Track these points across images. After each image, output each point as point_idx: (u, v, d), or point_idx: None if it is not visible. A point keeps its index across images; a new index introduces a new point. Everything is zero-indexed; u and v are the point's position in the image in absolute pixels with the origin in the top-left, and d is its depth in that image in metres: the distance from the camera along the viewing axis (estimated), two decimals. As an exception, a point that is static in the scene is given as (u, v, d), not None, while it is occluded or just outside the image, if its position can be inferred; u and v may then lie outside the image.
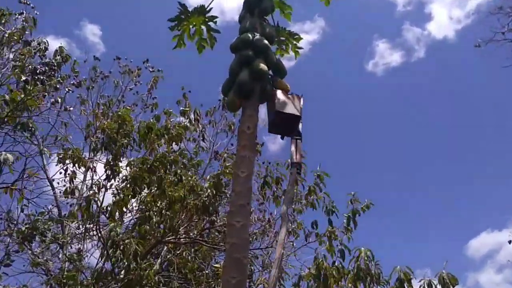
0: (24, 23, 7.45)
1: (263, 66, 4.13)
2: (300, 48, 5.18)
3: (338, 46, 25.99)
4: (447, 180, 25.54)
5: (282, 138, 4.38)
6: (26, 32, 7.33)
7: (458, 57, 24.67)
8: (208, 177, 8.77)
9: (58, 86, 7.07)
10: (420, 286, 5.55)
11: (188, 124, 9.56)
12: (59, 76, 7.43)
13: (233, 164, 4.33)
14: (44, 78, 6.66)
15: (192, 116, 10.03)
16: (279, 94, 4.25)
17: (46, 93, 6.90)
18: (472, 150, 25.29)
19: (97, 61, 10.57)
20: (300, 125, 4.25)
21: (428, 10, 27.16)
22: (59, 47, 7.50)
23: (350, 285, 6.25)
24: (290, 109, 4.18)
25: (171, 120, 9.00)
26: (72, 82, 8.21)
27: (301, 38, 5.09)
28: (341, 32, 25.94)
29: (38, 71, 6.53)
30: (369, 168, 25.42)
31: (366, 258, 5.99)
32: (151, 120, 8.59)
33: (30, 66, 6.57)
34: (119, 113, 8.05)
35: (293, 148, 4.13)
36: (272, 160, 9.34)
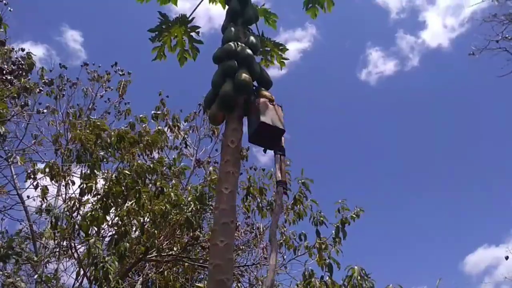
0: None
1: (247, 77, 3.96)
2: (286, 59, 5.03)
3: (330, 55, 25.93)
4: (442, 195, 25.52)
5: (264, 151, 4.10)
6: (1, 30, 6.84)
7: (452, 66, 24.75)
8: (189, 187, 8.56)
9: (28, 86, 6.62)
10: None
11: (164, 130, 9.24)
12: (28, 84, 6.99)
13: (217, 179, 4.12)
14: (12, 78, 6.25)
15: (170, 122, 9.80)
16: (264, 103, 3.98)
17: (16, 95, 6.43)
18: (466, 162, 25.34)
19: (63, 69, 9.95)
20: (283, 139, 4.00)
21: (422, 18, 27.22)
22: (27, 53, 7.00)
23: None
24: (276, 121, 3.92)
25: (144, 126, 8.66)
26: (43, 81, 7.73)
27: (287, 49, 4.95)
28: (333, 40, 25.94)
29: (5, 71, 6.13)
30: (363, 179, 25.32)
31: (359, 277, 5.81)
32: (123, 127, 8.22)
33: None
34: (97, 123, 7.72)
35: (277, 165, 3.85)
36: (259, 170, 9.21)
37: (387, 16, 25.78)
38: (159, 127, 8.95)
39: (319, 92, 24.86)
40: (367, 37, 26.05)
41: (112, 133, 7.91)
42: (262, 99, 4.02)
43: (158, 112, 9.69)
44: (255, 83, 4.22)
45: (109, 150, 7.74)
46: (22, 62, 6.41)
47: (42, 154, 8.30)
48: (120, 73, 10.57)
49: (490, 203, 24.52)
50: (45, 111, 8.11)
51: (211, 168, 9.01)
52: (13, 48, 6.70)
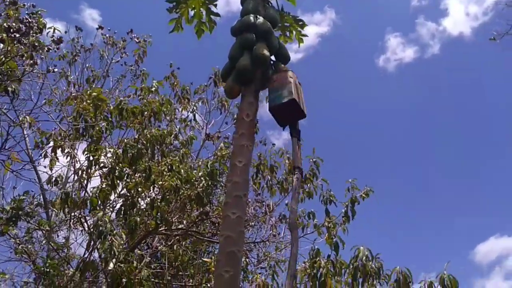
0: None
1: (265, 51, 3.91)
2: (305, 35, 4.96)
3: (348, 39, 25.47)
4: (456, 182, 25.36)
5: (283, 128, 4.04)
6: None
7: (474, 55, 24.23)
8: (200, 162, 8.57)
9: (36, 44, 6.42)
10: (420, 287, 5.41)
11: (171, 101, 9.10)
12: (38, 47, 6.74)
13: (231, 152, 4.10)
14: (20, 36, 6.06)
15: (180, 93, 9.73)
16: (296, 79, 3.94)
17: (25, 53, 6.24)
18: (483, 150, 25.08)
19: (79, 31, 9.83)
20: (298, 122, 3.97)
21: (444, 6, 26.64)
22: (37, 11, 6.49)
23: (348, 279, 6.12)
24: (302, 103, 3.88)
25: (149, 96, 8.46)
26: (52, 39, 7.46)
27: (306, 25, 4.88)
28: (352, 24, 25.47)
29: (12, 30, 5.95)
30: (377, 163, 25.14)
31: (365, 258, 5.80)
32: (122, 98, 8.01)
33: (4, 24, 5.93)
34: (94, 93, 7.45)
35: (295, 150, 3.81)
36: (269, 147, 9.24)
37: (408, 3, 25.26)
38: (163, 96, 8.72)
39: (336, 76, 24.64)
40: (386, 23, 25.65)
41: (111, 104, 7.75)
42: (293, 74, 3.96)
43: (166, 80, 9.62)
44: (272, 57, 4.19)
45: (110, 120, 7.59)
46: (30, 20, 6.19)
47: (52, 123, 8.18)
48: (136, 40, 10.38)
49: (504, 192, 24.37)
50: (55, 70, 7.85)
51: (222, 144, 9.01)
52: (24, 5, 6.45)
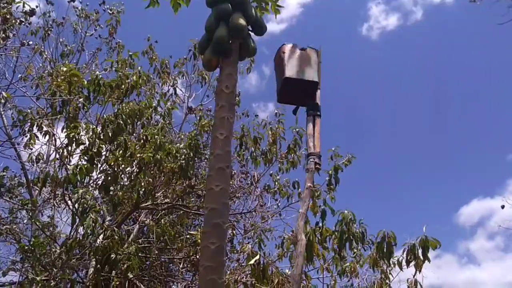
0: None
1: (241, 20, 3.85)
2: (281, 6, 4.88)
3: (331, 8, 25.21)
4: (438, 146, 25.69)
5: (294, 112, 3.65)
6: None
7: (456, 20, 24.26)
8: (183, 136, 8.53)
9: (7, 16, 6.19)
10: (403, 250, 5.54)
11: (149, 74, 8.91)
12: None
13: (212, 125, 4.08)
14: None
15: (159, 67, 9.59)
16: (288, 51, 3.64)
17: None
18: (466, 114, 25.39)
19: (50, 5, 9.48)
20: (318, 92, 3.52)
21: (425, -29, 26.28)
22: None
23: (334, 245, 6.25)
24: (303, 73, 3.53)
25: (125, 69, 8.20)
26: (23, 11, 7.18)
27: (281, -4, 4.79)
28: (333, -7, 25.21)
29: None
30: (358, 131, 25.33)
31: (349, 221, 5.89)
32: (98, 73, 7.69)
33: None
34: (65, 68, 7.16)
35: (310, 129, 3.36)
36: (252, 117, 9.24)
37: (390, -32, 25.04)
38: (139, 68, 8.38)
39: (319, 46, 24.35)
40: (368, -10, 25.29)
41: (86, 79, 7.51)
42: (286, 47, 3.67)
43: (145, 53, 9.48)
44: (249, 27, 4.11)
45: (87, 96, 7.39)
46: None
47: (29, 101, 8.00)
48: (109, 12, 10.03)
49: (486, 154, 24.83)
50: (30, 42, 7.61)
51: (200, 113, 8.95)
52: None
